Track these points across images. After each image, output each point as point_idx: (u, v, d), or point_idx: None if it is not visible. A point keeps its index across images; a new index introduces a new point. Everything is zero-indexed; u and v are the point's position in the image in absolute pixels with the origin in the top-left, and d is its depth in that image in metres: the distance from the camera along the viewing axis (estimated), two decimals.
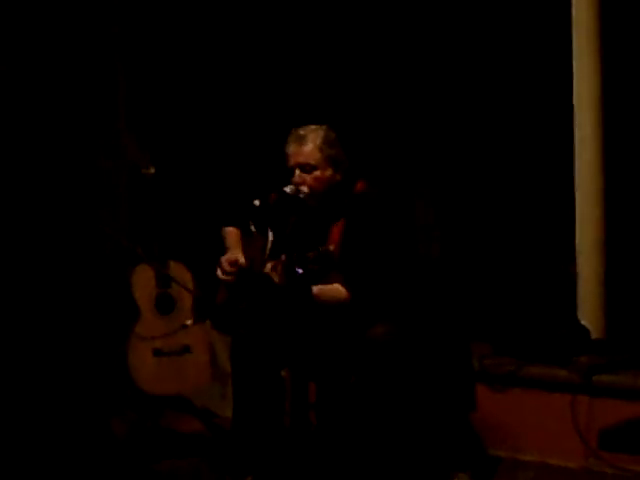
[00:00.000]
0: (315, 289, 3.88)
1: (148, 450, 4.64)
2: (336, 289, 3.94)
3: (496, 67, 5.01)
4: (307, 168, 4.03)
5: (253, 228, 3.99)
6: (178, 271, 4.69)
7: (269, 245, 4.08)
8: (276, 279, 3.84)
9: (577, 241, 4.69)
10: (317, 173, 4.04)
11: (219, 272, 4.06)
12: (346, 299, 3.94)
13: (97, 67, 5.47)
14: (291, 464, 4.03)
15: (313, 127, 4.08)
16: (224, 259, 4.06)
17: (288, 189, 4.01)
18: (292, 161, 4.06)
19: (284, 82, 5.45)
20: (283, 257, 3.74)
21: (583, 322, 4.61)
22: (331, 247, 3.87)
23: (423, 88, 5.19)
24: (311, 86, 5.36)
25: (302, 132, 4.07)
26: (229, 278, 4.03)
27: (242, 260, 4.04)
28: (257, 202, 3.94)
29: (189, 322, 4.64)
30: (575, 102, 4.66)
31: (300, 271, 3.67)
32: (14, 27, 5.16)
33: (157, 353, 4.67)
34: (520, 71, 4.94)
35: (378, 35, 5.27)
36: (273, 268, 3.90)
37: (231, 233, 4.26)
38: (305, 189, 4.00)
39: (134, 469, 4.46)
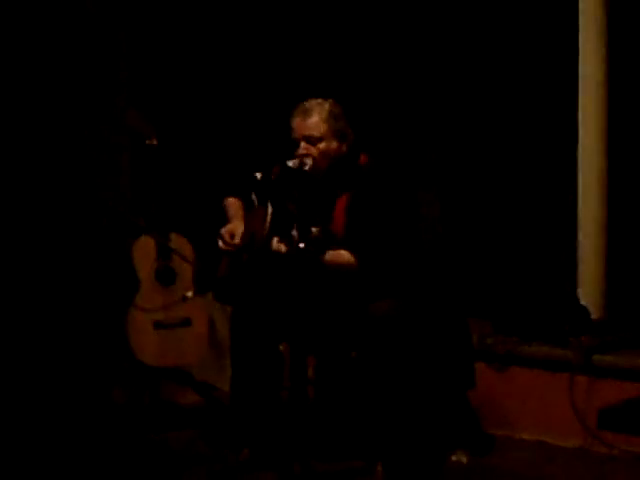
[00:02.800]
0: (326, 255, 3.88)
1: (147, 421, 4.66)
2: (344, 254, 3.94)
3: (501, 60, 5.00)
4: (312, 140, 4.03)
5: (255, 199, 3.98)
6: (179, 243, 4.68)
7: (268, 218, 4.07)
8: (282, 250, 3.81)
9: (579, 222, 4.68)
10: (322, 145, 4.04)
11: (220, 243, 4.06)
12: (353, 265, 3.93)
13: (100, 38, 5.45)
14: (288, 438, 4.04)
15: (319, 100, 4.08)
16: (224, 230, 4.06)
17: (291, 163, 4.00)
18: (297, 133, 4.06)
19: (290, 55, 5.43)
20: (295, 233, 3.72)
21: (583, 302, 4.60)
22: (335, 225, 3.89)
23: (430, 78, 5.17)
24: (318, 62, 5.35)
25: (308, 105, 4.07)
26: (229, 248, 4.03)
27: (241, 231, 4.03)
28: (259, 175, 3.94)
29: (189, 294, 4.63)
30: (580, 82, 4.65)
31: (302, 245, 3.67)
32: None
33: (157, 325, 4.67)
34: (524, 57, 4.92)
35: (388, 17, 5.26)
36: (280, 242, 3.87)
37: (232, 204, 4.25)
38: (309, 161, 3.99)
39: (133, 439, 4.47)
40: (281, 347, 4.14)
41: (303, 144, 4.04)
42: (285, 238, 3.76)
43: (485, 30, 5.03)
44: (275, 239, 3.90)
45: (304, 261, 3.74)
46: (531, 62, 4.90)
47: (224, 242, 4.04)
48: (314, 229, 3.70)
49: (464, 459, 4.17)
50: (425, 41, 5.16)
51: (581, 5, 4.63)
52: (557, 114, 4.83)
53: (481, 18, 5.03)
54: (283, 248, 3.81)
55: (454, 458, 4.17)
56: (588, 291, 4.65)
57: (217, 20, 5.59)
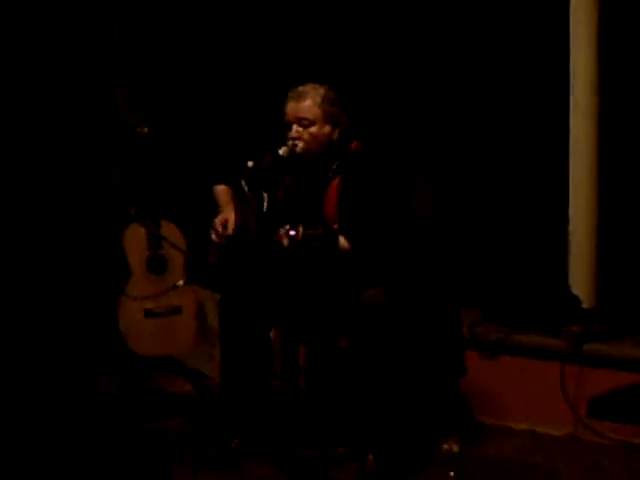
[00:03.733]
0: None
1: (137, 410, 4.65)
2: (341, 239, 3.90)
3: (494, 54, 5.00)
4: (305, 123, 4.02)
5: (245, 187, 3.97)
6: (170, 231, 4.67)
7: (265, 207, 4.07)
8: (285, 242, 3.78)
9: (570, 211, 4.68)
10: (314, 129, 4.03)
11: (213, 235, 4.05)
12: (347, 250, 3.91)
13: (92, 26, 5.44)
14: (279, 428, 4.04)
15: (314, 85, 4.08)
16: (217, 221, 4.05)
17: (282, 151, 3.99)
18: (290, 116, 4.05)
19: (283, 42, 5.42)
20: (300, 228, 3.70)
21: (574, 291, 4.61)
22: (327, 209, 3.87)
23: (425, 71, 5.17)
24: (311, 51, 5.34)
25: (302, 89, 4.06)
26: (222, 240, 4.02)
27: (233, 220, 4.02)
28: (250, 163, 3.93)
29: (180, 283, 4.62)
30: (571, 78, 4.65)
31: (292, 233, 3.66)
32: None
33: (148, 314, 4.67)
34: (517, 53, 4.92)
35: (383, 9, 5.25)
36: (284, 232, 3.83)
37: (222, 191, 4.22)
38: (301, 144, 4.00)
39: (123, 428, 4.47)
40: (272, 335, 4.14)
41: (295, 127, 4.03)
42: (295, 226, 3.73)
43: (478, 25, 5.01)
44: (282, 230, 3.84)
45: (316, 249, 3.73)
46: (523, 57, 4.89)
47: (217, 234, 4.03)
48: (319, 230, 3.68)
49: (455, 448, 4.16)
50: (420, 36, 5.15)
51: (572, 2, 4.63)
52: (548, 108, 4.82)
53: (474, 11, 5.02)
54: (299, 235, 3.75)
55: (445, 447, 4.15)
56: (579, 280, 4.65)
57: (209, 7, 5.58)
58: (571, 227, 4.66)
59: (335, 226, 3.78)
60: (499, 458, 4.17)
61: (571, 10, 4.62)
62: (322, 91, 4.05)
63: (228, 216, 4.06)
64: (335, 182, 4.03)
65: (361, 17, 5.30)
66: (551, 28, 4.73)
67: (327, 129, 4.05)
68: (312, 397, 4.40)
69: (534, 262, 4.84)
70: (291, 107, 4.04)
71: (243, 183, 3.96)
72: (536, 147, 4.93)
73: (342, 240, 3.89)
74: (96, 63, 5.48)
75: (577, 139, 4.63)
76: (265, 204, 4.05)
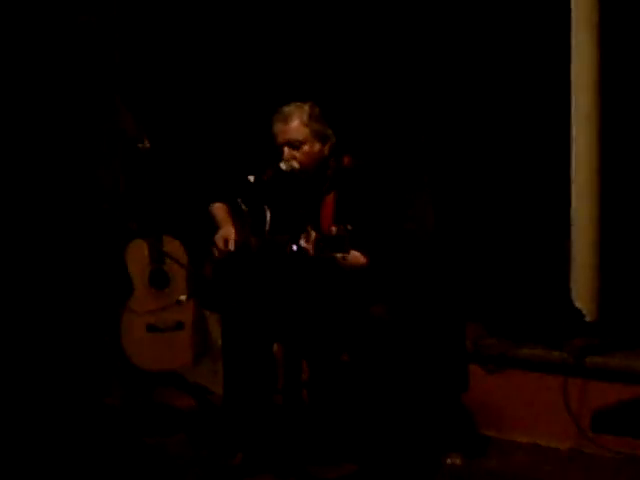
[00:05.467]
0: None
1: (140, 425, 4.65)
2: (358, 256, 3.89)
3: (493, 60, 4.99)
4: (295, 144, 4.05)
5: (242, 204, 3.98)
6: (172, 247, 4.67)
7: (268, 220, 4.08)
8: (310, 251, 3.77)
9: (572, 224, 4.69)
10: (306, 148, 4.06)
11: (215, 252, 4.05)
12: (363, 265, 3.91)
13: (94, 43, 5.45)
14: (282, 442, 4.04)
15: (297, 104, 4.09)
16: (218, 237, 4.06)
17: (284, 165, 4.02)
18: (280, 139, 4.07)
19: (276, 62, 5.44)
20: (313, 233, 3.71)
21: (577, 304, 4.61)
22: (323, 225, 3.88)
23: (424, 78, 5.17)
24: (303, 66, 5.35)
25: (287, 110, 4.08)
26: (224, 256, 4.03)
27: (234, 236, 4.02)
28: (252, 178, 3.95)
29: (183, 298, 4.63)
30: (573, 80, 4.65)
31: (295, 247, 3.67)
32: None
33: (151, 329, 4.67)
34: (517, 57, 4.92)
35: (375, 15, 5.26)
36: (304, 241, 3.81)
37: (220, 209, 4.23)
38: (296, 164, 4.02)
39: (126, 443, 4.47)
40: (275, 349, 4.14)
41: (287, 149, 4.05)
42: (306, 238, 3.73)
43: (478, 29, 5.01)
44: (303, 239, 3.82)
45: (328, 261, 3.73)
46: (524, 60, 4.88)
47: (219, 250, 4.03)
48: (334, 228, 3.69)
49: (458, 461, 4.17)
50: (419, 41, 5.15)
51: (574, 4, 4.63)
52: (549, 121, 4.82)
53: (476, 16, 5.02)
54: (310, 249, 3.75)
55: (448, 460, 4.16)
56: (582, 293, 4.65)
57: (210, 23, 5.59)
58: (573, 240, 4.67)
59: (349, 226, 3.75)
60: (502, 472, 4.16)
61: (572, 15, 4.63)
62: (307, 109, 4.07)
63: (228, 232, 4.07)
64: (330, 198, 4.05)
65: (357, 20, 5.30)
66: (552, 34, 4.73)
67: (317, 146, 4.08)
68: (315, 411, 4.40)
69: (536, 276, 4.83)
70: (279, 130, 4.07)
71: (240, 200, 3.97)
72: (537, 160, 4.92)
73: (357, 255, 3.89)
74: (98, 79, 5.48)
75: (579, 153, 4.64)
76: (268, 218, 4.07)
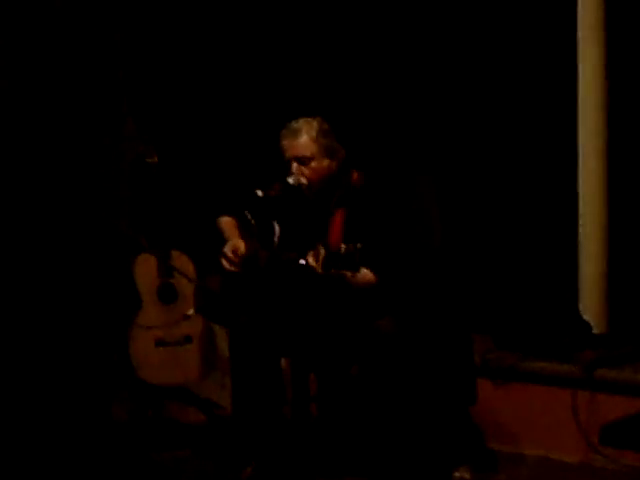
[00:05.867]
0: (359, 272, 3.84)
1: (149, 439, 4.65)
2: (367, 274, 3.90)
3: (499, 63, 4.99)
4: (304, 160, 4.04)
5: (250, 217, 3.98)
6: (180, 261, 4.68)
7: (277, 235, 4.08)
8: (318, 269, 3.77)
9: (580, 236, 4.68)
10: (314, 164, 4.05)
11: (224, 263, 4.05)
12: (373, 282, 3.92)
13: (100, 57, 5.46)
14: (292, 456, 4.03)
15: (306, 119, 4.09)
16: (227, 249, 4.05)
17: (292, 180, 4.02)
18: (288, 154, 4.07)
19: (285, 74, 5.44)
20: (322, 251, 3.71)
21: (585, 317, 4.60)
22: (331, 242, 3.88)
23: (429, 85, 5.17)
24: (310, 78, 5.36)
25: (295, 125, 4.08)
26: (234, 268, 4.03)
27: (243, 248, 4.03)
28: (260, 192, 3.96)
29: (191, 312, 4.64)
30: (580, 82, 4.65)
31: (302, 262, 3.68)
32: (18, 11, 5.16)
33: (159, 343, 4.67)
34: (523, 59, 4.91)
35: (377, 27, 5.27)
36: (313, 257, 3.81)
37: (227, 222, 4.23)
38: (304, 180, 4.02)
39: (134, 458, 4.46)
40: (283, 364, 4.14)
41: (295, 165, 4.05)
42: (315, 256, 3.73)
43: (483, 32, 5.01)
44: (311, 256, 3.82)
45: (336, 277, 3.74)
46: (529, 62, 4.87)
47: (229, 261, 4.03)
48: (343, 246, 3.68)
49: (467, 475, 4.15)
50: (427, 52, 5.15)
51: (580, 6, 4.63)
52: (556, 132, 4.83)
53: (482, 24, 5.02)
54: (321, 264, 3.75)
55: (457, 474, 4.15)
56: (590, 305, 4.64)
57: (217, 37, 5.61)
58: (581, 252, 4.66)
59: (358, 245, 3.74)
60: None
61: (579, 23, 4.62)
62: (316, 124, 4.07)
63: (237, 243, 4.07)
64: (338, 214, 4.05)
65: (361, 26, 5.31)
66: (559, 42, 4.72)
67: (326, 162, 4.07)
68: (324, 425, 4.39)
69: (545, 288, 4.83)
70: (288, 145, 4.06)
71: (247, 213, 3.97)
72: (544, 172, 4.92)
73: (366, 273, 3.88)
74: (105, 93, 5.50)
75: (586, 164, 4.64)
76: (277, 232, 4.07)
